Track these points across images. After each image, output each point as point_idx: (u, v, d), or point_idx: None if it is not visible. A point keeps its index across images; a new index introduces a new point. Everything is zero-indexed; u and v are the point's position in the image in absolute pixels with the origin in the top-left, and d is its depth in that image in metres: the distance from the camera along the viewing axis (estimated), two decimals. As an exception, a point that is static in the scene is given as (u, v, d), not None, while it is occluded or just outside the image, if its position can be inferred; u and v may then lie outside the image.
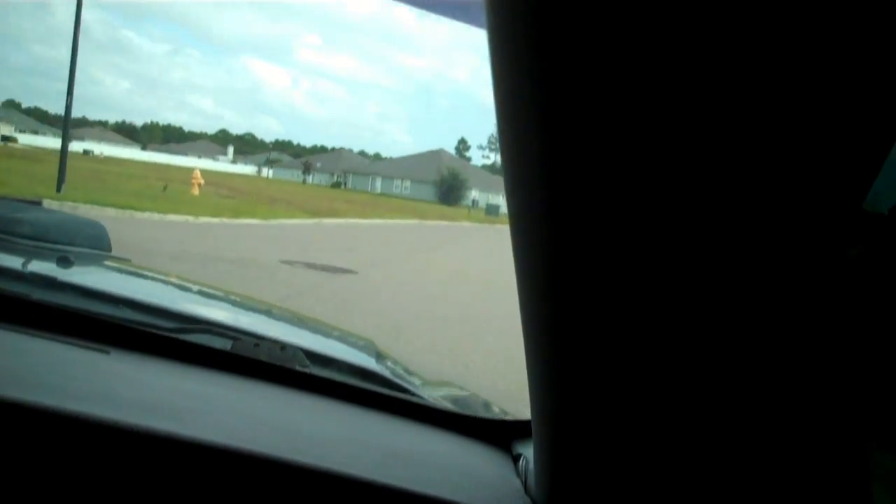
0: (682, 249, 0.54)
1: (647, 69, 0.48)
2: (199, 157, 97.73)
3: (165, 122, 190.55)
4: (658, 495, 0.66)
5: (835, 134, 0.48)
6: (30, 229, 1.57)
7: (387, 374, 1.33)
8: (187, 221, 16.15)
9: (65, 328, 1.04)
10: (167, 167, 51.82)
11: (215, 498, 0.76)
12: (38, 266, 1.44)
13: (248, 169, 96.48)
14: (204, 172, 27.86)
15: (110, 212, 15.15)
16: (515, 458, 1.02)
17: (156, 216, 15.82)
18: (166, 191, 22.14)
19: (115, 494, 0.74)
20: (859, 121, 0.48)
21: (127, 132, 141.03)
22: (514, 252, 0.65)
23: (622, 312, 0.58)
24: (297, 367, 1.15)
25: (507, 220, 0.65)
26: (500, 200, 44.75)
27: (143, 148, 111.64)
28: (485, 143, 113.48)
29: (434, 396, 1.27)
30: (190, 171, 26.10)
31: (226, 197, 24.80)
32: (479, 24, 0.63)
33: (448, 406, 1.21)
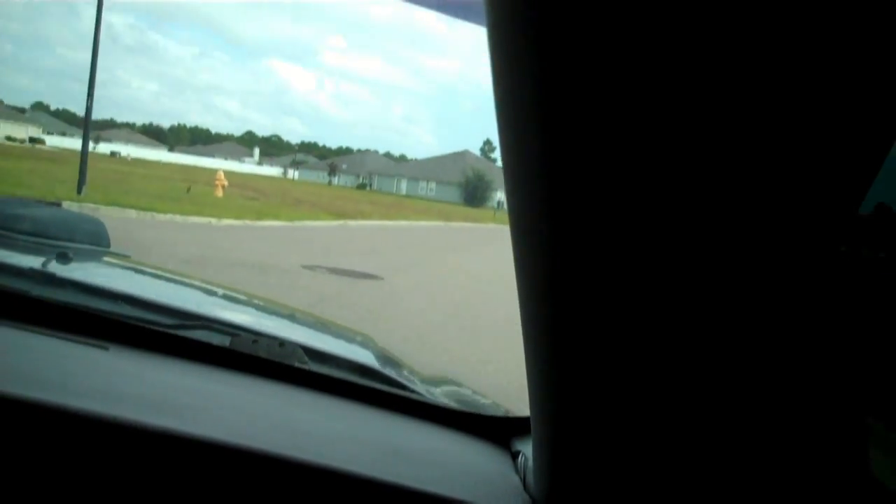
0: (681, 249, 0.54)
1: (647, 69, 0.48)
2: (226, 158, 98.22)
3: (192, 125, 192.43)
4: (656, 492, 0.66)
5: (833, 135, 0.48)
6: (29, 226, 1.58)
7: (386, 370, 1.31)
8: (209, 223, 15.85)
9: (64, 324, 1.04)
10: (193, 169, 51.91)
11: (214, 494, 0.77)
12: (38, 262, 1.44)
13: (273, 170, 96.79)
14: (229, 174, 27.71)
15: (131, 213, 14.91)
16: (514, 455, 1.01)
17: (178, 218, 15.54)
18: (190, 192, 21.90)
19: (114, 490, 0.74)
20: (858, 122, 0.48)
21: (154, 134, 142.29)
22: (514, 252, 0.65)
23: (621, 312, 0.58)
24: (296, 364, 1.14)
25: None
26: (527, 202, 43.71)
27: (170, 150, 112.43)
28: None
29: (434, 393, 1.26)
30: (215, 172, 25.78)
31: (250, 199, 24.53)
32: (479, 22, 0.60)
33: (447, 403, 1.19)
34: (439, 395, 1.28)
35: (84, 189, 16.02)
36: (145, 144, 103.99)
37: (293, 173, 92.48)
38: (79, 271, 1.52)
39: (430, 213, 34.44)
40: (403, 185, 78.50)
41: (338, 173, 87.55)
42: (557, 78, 0.51)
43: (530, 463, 0.87)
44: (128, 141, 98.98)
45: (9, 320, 1.01)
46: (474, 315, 8.63)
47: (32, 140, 68.17)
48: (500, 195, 67.08)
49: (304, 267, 10.27)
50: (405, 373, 1.39)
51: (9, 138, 64.24)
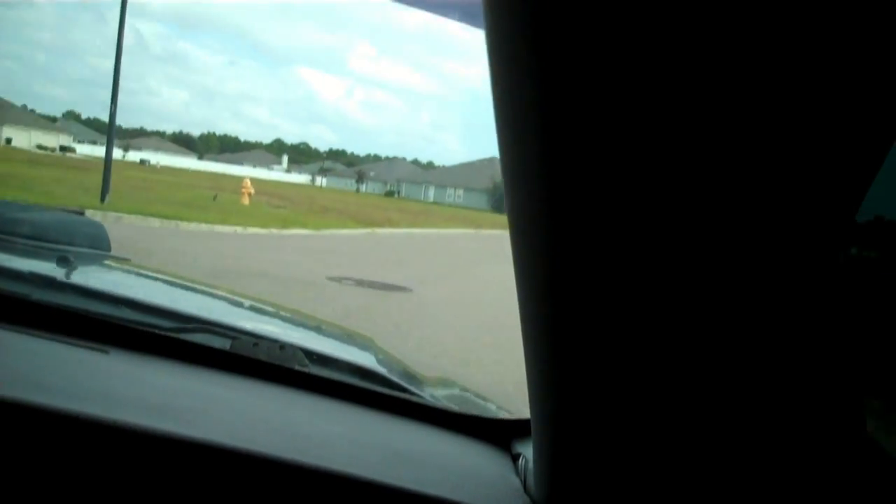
0: (681, 250, 0.54)
1: (646, 69, 0.49)
2: (255, 166, 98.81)
3: (222, 132, 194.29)
4: (656, 494, 0.66)
5: (832, 137, 0.49)
6: (30, 229, 1.56)
7: (386, 373, 1.31)
8: (235, 232, 15.55)
9: (64, 328, 1.05)
10: (221, 177, 52.01)
11: (215, 498, 0.77)
12: (38, 266, 1.43)
13: (301, 178, 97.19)
14: (257, 182, 27.57)
15: (154, 222, 14.64)
16: (515, 458, 1.01)
17: (203, 227, 15.26)
18: (216, 200, 21.66)
19: (115, 494, 0.74)
20: (857, 124, 0.48)
21: (184, 142, 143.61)
22: (514, 252, 0.65)
23: (621, 313, 0.58)
24: (296, 367, 1.15)
25: None
26: (557, 209, 43.20)
27: (200, 158, 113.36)
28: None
29: (434, 396, 1.25)
30: (242, 180, 25.54)
31: (277, 207, 24.28)
32: (477, 24, 0.60)
33: (448, 405, 1.19)
34: (440, 398, 1.26)
35: (107, 197, 15.78)
36: (175, 152, 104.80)
37: (321, 181, 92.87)
38: (79, 275, 1.51)
39: (458, 221, 34.00)
40: (431, 193, 78.33)
41: (366, 181, 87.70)
42: (555, 78, 0.51)
43: (531, 465, 0.87)
44: (158, 149, 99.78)
45: (9, 324, 1.00)
46: (509, 335, 8.09)
47: (63, 148, 68.96)
48: (528, 202, 66.22)
49: (330, 279, 9.80)
50: (406, 375, 1.37)
51: (40, 147, 65.09)
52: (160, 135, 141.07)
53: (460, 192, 74.11)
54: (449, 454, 1.03)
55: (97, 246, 1.75)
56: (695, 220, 0.53)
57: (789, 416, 0.60)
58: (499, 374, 5.86)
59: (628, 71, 0.49)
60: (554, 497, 0.77)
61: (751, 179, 0.51)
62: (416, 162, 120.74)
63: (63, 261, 1.51)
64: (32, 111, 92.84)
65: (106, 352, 1.02)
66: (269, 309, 1.96)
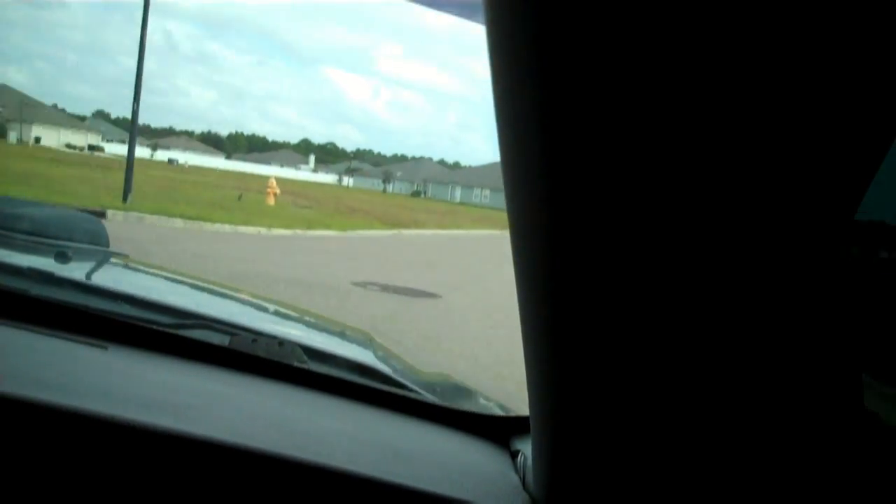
0: (681, 248, 0.54)
1: (647, 68, 0.49)
2: (282, 166, 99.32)
3: (250, 132, 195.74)
4: (656, 491, 0.66)
5: (832, 136, 0.49)
6: (28, 225, 1.56)
7: (385, 369, 1.30)
8: (259, 233, 15.24)
9: (63, 324, 1.04)
10: (247, 176, 52.04)
11: (213, 494, 0.77)
12: (37, 261, 1.44)
13: (328, 178, 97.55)
14: (284, 181, 27.37)
15: (178, 223, 14.36)
16: (514, 455, 1.01)
17: (227, 228, 14.95)
18: (241, 200, 21.41)
19: (113, 490, 0.74)
20: (856, 123, 0.48)
21: (212, 142, 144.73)
22: (514, 251, 0.65)
23: (620, 312, 0.59)
24: (295, 363, 1.14)
25: None
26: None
27: (228, 157, 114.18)
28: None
29: (433, 392, 1.24)
30: (269, 180, 25.28)
31: (302, 207, 24.03)
32: (478, 21, 0.61)
33: (447, 402, 1.18)
34: (439, 394, 1.24)
35: (130, 197, 15.49)
36: (203, 152, 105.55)
37: (348, 180, 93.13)
38: (78, 271, 1.50)
39: (485, 222, 33.53)
40: (458, 193, 78.10)
41: (392, 180, 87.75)
42: (557, 77, 0.51)
43: (530, 462, 0.86)
44: (186, 149, 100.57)
45: (8, 320, 1.00)
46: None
47: (92, 147, 69.60)
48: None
49: (355, 284, 9.37)
50: (405, 372, 1.37)
51: (69, 146, 65.72)
52: (189, 134, 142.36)
53: (487, 192, 73.70)
54: (448, 451, 1.02)
55: (96, 242, 1.72)
56: (695, 220, 0.53)
57: (788, 411, 0.60)
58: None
59: (628, 71, 0.48)
60: (553, 494, 0.77)
61: (751, 179, 0.50)
62: (442, 162, 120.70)
63: (62, 256, 1.48)
64: (63, 110, 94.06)
65: (105, 348, 1.01)
66: (269, 305, 1.95)
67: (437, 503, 0.80)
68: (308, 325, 1.84)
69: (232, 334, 1.21)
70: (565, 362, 0.65)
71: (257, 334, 1.22)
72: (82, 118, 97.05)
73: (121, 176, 16.11)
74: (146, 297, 1.34)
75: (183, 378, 1.02)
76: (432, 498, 0.80)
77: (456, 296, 9.65)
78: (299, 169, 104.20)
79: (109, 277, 1.61)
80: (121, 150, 70.63)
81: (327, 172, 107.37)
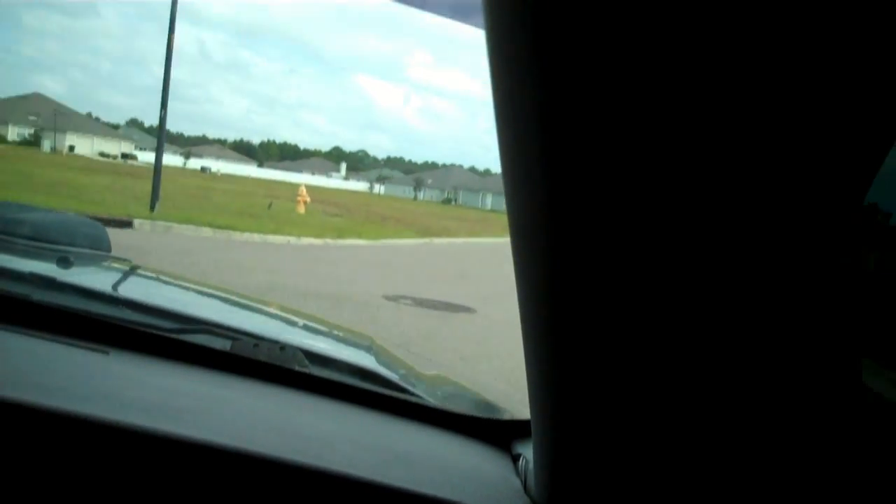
0: (680, 250, 0.54)
1: (647, 69, 0.48)
2: (314, 174, 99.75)
3: (281, 140, 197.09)
4: (657, 494, 0.66)
5: (833, 135, 0.49)
6: (30, 230, 1.55)
7: (387, 373, 1.29)
8: (288, 243, 14.91)
9: (65, 329, 1.04)
10: (278, 184, 52.07)
11: (215, 498, 0.77)
12: (38, 266, 1.42)
13: (360, 185, 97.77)
14: (314, 189, 27.14)
15: (206, 232, 14.07)
16: (515, 458, 1.01)
17: (256, 237, 14.64)
18: (271, 209, 21.16)
19: (114, 495, 0.74)
20: (858, 122, 0.48)
21: (245, 150, 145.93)
22: (514, 253, 0.65)
23: (621, 313, 0.58)
24: (297, 368, 1.14)
25: None
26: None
27: (260, 165, 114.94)
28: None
29: (435, 396, 1.24)
30: (299, 188, 25.02)
31: (333, 215, 23.75)
32: (477, 24, 0.61)
33: (448, 406, 1.17)
34: (440, 398, 1.25)
35: (157, 205, 15.24)
36: (236, 160, 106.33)
37: (379, 188, 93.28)
38: (79, 276, 1.50)
39: (518, 230, 32.90)
40: (489, 200, 77.71)
41: (423, 188, 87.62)
42: (556, 79, 0.51)
43: (531, 466, 0.86)
44: (219, 157, 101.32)
45: (9, 325, 1.00)
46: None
47: (125, 156, 70.31)
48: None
49: (386, 298, 8.95)
50: (406, 375, 1.36)
51: (102, 154, 66.41)
52: (221, 142, 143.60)
53: (518, 199, 72.99)
54: (449, 455, 1.01)
55: (97, 246, 1.70)
56: (695, 221, 0.53)
57: (790, 413, 0.60)
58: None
59: (630, 70, 0.48)
60: (554, 498, 0.77)
61: (752, 178, 0.50)
62: (473, 169, 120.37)
63: (63, 261, 1.49)
64: (97, 119, 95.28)
65: (106, 352, 1.01)
66: (270, 310, 1.94)
67: None
68: (309, 329, 1.81)
69: (233, 339, 1.20)
70: (566, 365, 0.65)
71: (259, 339, 1.22)
72: (116, 127, 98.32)
73: (150, 184, 15.86)
74: (148, 301, 1.33)
75: (184, 383, 1.02)
76: (433, 502, 0.80)
77: (491, 309, 9.15)
78: (331, 177, 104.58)
79: (111, 282, 1.58)
80: (153, 158, 71.12)
81: (358, 180, 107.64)
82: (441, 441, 1.05)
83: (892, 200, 0.55)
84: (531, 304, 0.66)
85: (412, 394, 1.18)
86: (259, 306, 1.93)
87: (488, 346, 6.96)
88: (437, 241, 21.12)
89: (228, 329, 1.25)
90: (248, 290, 7.09)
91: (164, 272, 2.06)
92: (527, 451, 0.93)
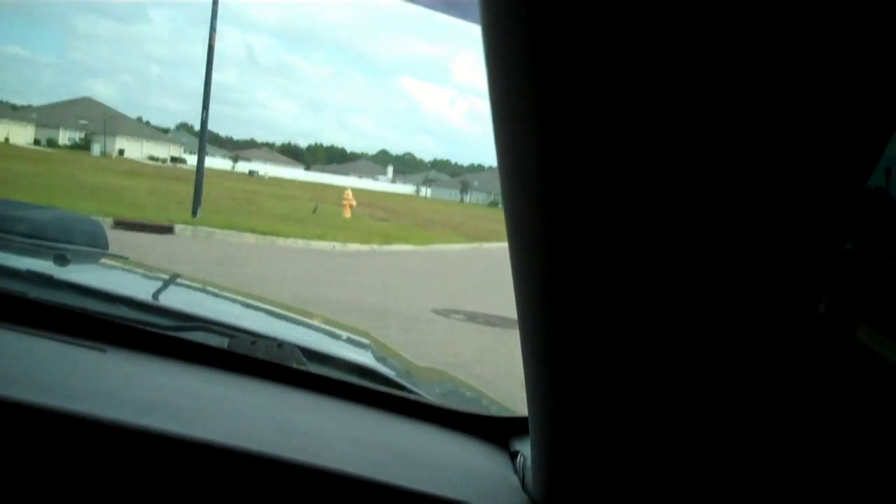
0: (678, 248, 0.54)
1: (644, 64, 0.48)
2: (360, 177, 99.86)
3: (329, 144, 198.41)
4: (655, 491, 0.66)
5: (831, 130, 0.49)
6: (27, 227, 1.55)
7: (385, 370, 1.30)
8: (333, 249, 14.40)
9: (61, 326, 1.04)
10: (324, 187, 51.91)
11: (213, 496, 0.77)
12: (35, 264, 1.42)
13: (406, 188, 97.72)
14: (360, 192, 26.71)
15: (249, 238, 13.63)
16: (513, 455, 1.01)
17: (300, 243, 14.16)
18: (316, 213, 20.71)
19: (112, 493, 0.74)
20: (856, 117, 0.48)
21: (292, 153, 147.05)
22: (511, 251, 0.65)
23: (618, 311, 0.59)
24: (294, 365, 1.13)
25: None
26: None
27: (307, 168, 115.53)
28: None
29: (433, 393, 1.24)
30: (345, 191, 24.55)
31: (379, 219, 23.23)
32: (474, 21, 0.61)
33: (446, 403, 1.18)
34: (438, 395, 1.23)
35: (199, 210, 14.81)
36: (283, 163, 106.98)
37: (425, 191, 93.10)
38: (76, 273, 1.48)
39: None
40: (536, 203, 76.88)
41: (469, 190, 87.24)
42: (553, 77, 0.51)
43: (529, 463, 0.86)
44: (266, 160, 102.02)
45: (6, 323, 1.00)
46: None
47: (174, 159, 71.11)
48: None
49: (436, 312, 8.27)
50: (404, 372, 1.35)
51: (151, 157, 67.24)
52: (269, 146, 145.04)
53: (566, 202, 72.31)
54: (447, 452, 1.01)
55: (95, 244, 1.69)
56: (692, 219, 0.52)
57: (787, 410, 0.60)
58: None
59: (627, 66, 0.48)
60: (552, 495, 0.77)
61: (751, 172, 0.50)
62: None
63: (60, 259, 1.48)
64: (147, 123, 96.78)
65: (103, 350, 1.01)
66: (268, 307, 1.90)
67: None
68: (308, 326, 1.82)
69: (231, 336, 1.19)
70: (563, 362, 0.64)
71: (256, 336, 1.21)
72: (165, 130, 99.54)
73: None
74: (145, 299, 1.35)
75: (182, 381, 1.01)
76: (431, 499, 0.80)
77: (551, 324, 8.44)
78: (377, 179, 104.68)
79: (108, 280, 1.61)
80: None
81: (405, 183, 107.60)
82: (439, 438, 1.04)
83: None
84: (528, 302, 0.65)
85: (410, 391, 1.18)
86: (256, 303, 1.90)
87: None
88: (486, 245, 20.43)
89: (226, 326, 1.24)
90: (288, 301, 6.50)
91: (161, 269, 2.01)
92: (525, 449, 0.93)
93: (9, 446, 0.72)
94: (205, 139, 16.87)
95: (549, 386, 0.68)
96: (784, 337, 0.57)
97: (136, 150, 69.37)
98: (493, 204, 76.80)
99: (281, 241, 13.95)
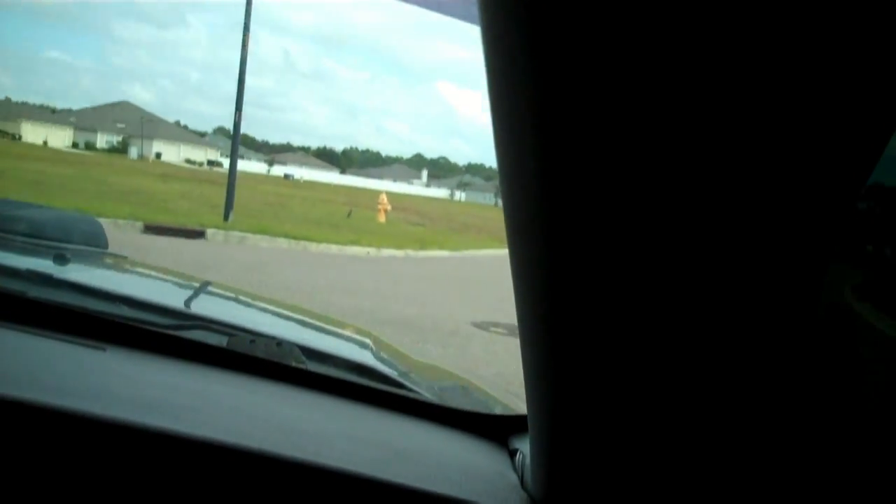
0: (677, 247, 0.54)
1: (643, 63, 0.48)
2: (395, 180, 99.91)
3: (364, 147, 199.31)
4: (654, 489, 0.66)
5: (831, 130, 0.49)
6: (26, 226, 1.55)
7: (384, 369, 1.30)
8: (368, 254, 13.99)
9: (61, 325, 1.04)
10: (359, 191, 51.78)
11: (212, 495, 0.76)
12: (35, 263, 1.42)
13: (440, 192, 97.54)
14: (395, 196, 26.39)
15: (282, 243, 13.29)
16: (512, 453, 1.01)
17: (333, 248, 13.78)
18: (350, 217, 20.38)
19: (112, 491, 0.74)
20: (855, 119, 0.48)
21: (328, 157, 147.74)
22: (510, 249, 0.65)
23: (617, 309, 0.59)
24: (293, 364, 1.13)
25: None
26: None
27: (342, 172, 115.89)
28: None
29: (432, 391, 1.23)
30: (381, 195, 24.20)
31: (414, 224, 22.86)
32: (472, 21, 0.60)
33: (445, 401, 1.17)
34: (438, 393, 1.24)
35: (231, 215, 14.51)
36: (318, 167, 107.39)
37: (460, 195, 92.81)
38: (76, 272, 1.47)
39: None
40: (572, 207, 76.38)
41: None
42: (552, 75, 0.51)
43: (528, 461, 0.86)
44: (302, 164, 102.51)
45: (6, 322, 1.00)
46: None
47: (211, 163, 71.60)
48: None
49: (475, 325, 7.81)
50: (403, 371, 1.36)
51: (188, 161, 67.73)
52: (305, 150, 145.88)
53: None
54: (446, 450, 1.01)
55: (94, 243, 1.70)
56: (691, 219, 0.52)
57: (786, 411, 0.60)
58: None
59: (626, 66, 0.48)
60: (551, 493, 0.77)
61: (749, 176, 0.50)
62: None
63: (60, 258, 1.46)
64: (184, 127, 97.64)
65: (103, 349, 1.01)
66: (267, 305, 1.90)
67: (436, 502, 0.80)
68: (307, 325, 1.78)
69: (230, 335, 1.18)
70: (562, 360, 0.64)
71: (255, 335, 1.20)
72: (202, 134, 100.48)
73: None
74: (144, 298, 1.33)
75: (181, 379, 1.01)
76: (431, 497, 0.80)
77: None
78: (412, 183, 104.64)
79: (108, 279, 1.59)
80: (239, 164, 72.48)
81: (439, 187, 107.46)
82: (438, 436, 1.04)
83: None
84: (528, 302, 0.65)
85: (409, 389, 1.17)
86: (255, 302, 1.90)
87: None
88: (523, 252, 19.89)
89: (225, 325, 1.23)
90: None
91: (160, 268, 2.01)
92: (524, 447, 0.93)
93: (9, 445, 0.72)
94: (237, 142, 16.58)
95: (548, 384, 0.68)
96: (784, 336, 0.57)
97: (173, 153, 70.01)
98: (529, 208, 76.46)
99: (314, 246, 13.59)
